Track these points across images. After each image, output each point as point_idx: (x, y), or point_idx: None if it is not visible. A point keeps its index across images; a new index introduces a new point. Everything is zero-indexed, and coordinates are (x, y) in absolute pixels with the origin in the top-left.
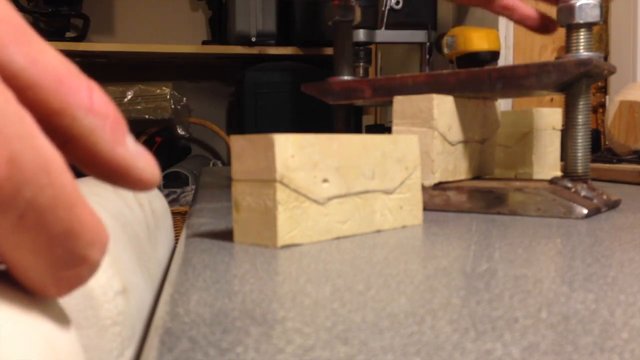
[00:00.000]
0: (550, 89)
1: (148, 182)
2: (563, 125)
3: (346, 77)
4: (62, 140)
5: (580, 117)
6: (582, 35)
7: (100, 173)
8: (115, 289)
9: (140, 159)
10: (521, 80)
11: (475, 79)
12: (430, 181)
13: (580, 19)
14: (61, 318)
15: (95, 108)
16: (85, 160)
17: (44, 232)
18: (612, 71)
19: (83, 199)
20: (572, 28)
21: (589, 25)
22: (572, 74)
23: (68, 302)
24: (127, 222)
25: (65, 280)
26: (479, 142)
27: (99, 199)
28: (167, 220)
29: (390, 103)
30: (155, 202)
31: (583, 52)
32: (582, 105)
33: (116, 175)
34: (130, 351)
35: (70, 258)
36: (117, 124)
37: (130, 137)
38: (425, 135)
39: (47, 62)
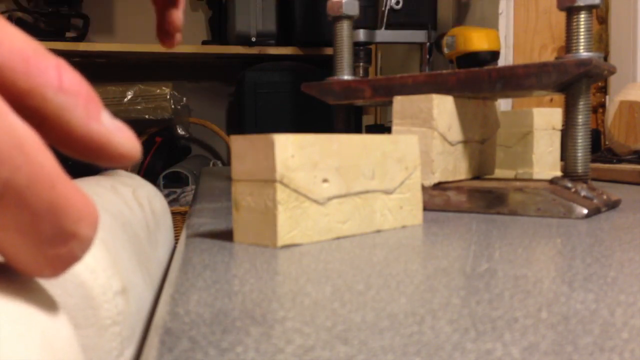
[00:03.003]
0: (550, 89)
1: (128, 155)
2: (563, 125)
3: (346, 77)
4: (37, 122)
5: (580, 117)
6: (583, 19)
7: (78, 151)
8: (114, 288)
9: (118, 133)
10: (521, 80)
11: (475, 79)
12: (430, 181)
13: (580, 1)
14: (58, 316)
15: (65, 86)
16: (61, 139)
17: (27, 211)
18: (612, 71)
19: (65, 177)
20: (572, 12)
21: (589, 8)
22: (572, 74)
23: (67, 301)
24: (126, 222)
25: (59, 258)
26: (479, 142)
27: (98, 199)
28: (167, 220)
29: (390, 103)
30: (155, 202)
31: (583, 52)
32: (582, 105)
33: (94, 151)
34: (130, 351)
35: (59, 235)
36: (90, 101)
37: (106, 112)
38: (425, 135)
39: (12, 44)
